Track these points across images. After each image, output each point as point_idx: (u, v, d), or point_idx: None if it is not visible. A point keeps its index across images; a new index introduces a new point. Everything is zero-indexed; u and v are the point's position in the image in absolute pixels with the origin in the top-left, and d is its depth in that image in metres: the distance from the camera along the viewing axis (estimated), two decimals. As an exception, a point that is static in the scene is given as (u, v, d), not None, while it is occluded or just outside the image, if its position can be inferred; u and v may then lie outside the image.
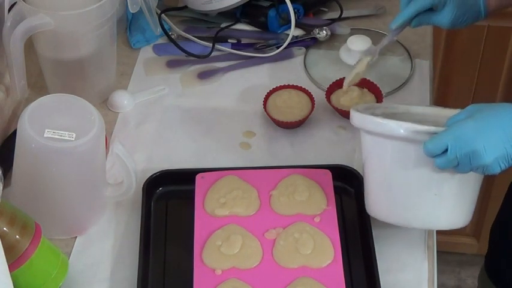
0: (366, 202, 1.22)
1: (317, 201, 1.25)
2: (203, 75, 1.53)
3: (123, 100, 1.46)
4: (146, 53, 1.58)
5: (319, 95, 1.44)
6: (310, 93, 1.44)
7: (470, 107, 1.09)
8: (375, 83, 1.44)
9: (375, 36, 1.53)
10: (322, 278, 1.16)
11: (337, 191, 1.28)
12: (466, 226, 1.20)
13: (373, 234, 1.22)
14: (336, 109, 1.42)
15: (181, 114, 1.46)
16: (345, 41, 1.52)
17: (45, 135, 1.14)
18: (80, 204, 1.24)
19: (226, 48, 1.57)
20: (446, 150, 1.07)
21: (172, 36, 1.57)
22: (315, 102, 1.42)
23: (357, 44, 1.50)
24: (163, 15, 1.57)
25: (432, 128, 1.09)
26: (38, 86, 1.48)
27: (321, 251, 1.19)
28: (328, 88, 1.45)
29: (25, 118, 1.15)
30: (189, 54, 1.54)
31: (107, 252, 1.24)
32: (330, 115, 1.44)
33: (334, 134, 1.41)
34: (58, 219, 1.25)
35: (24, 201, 1.18)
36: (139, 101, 1.48)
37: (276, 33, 1.59)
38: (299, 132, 1.42)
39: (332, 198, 1.25)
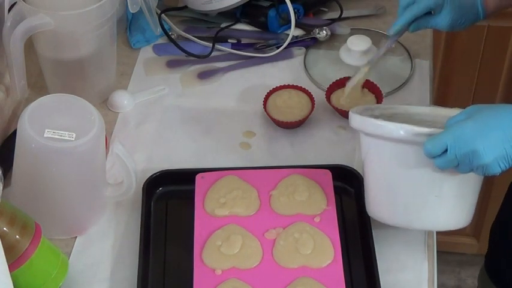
0: (366, 204, 1.22)
1: (317, 201, 1.25)
2: (203, 75, 1.53)
3: (123, 100, 1.46)
4: (146, 53, 1.58)
5: (319, 95, 1.44)
6: (310, 93, 1.44)
7: (469, 108, 1.09)
8: (375, 83, 1.44)
9: (375, 36, 1.53)
10: (322, 278, 1.16)
11: (337, 191, 1.28)
12: (466, 226, 1.20)
13: (373, 234, 1.22)
14: (336, 109, 1.42)
15: (181, 114, 1.46)
16: (345, 41, 1.52)
17: (45, 135, 1.14)
18: (80, 204, 1.24)
19: (226, 48, 1.57)
20: (446, 150, 1.07)
21: (172, 36, 1.57)
22: (315, 102, 1.42)
23: (357, 44, 1.50)
24: (163, 15, 1.57)
25: (432, 130, 1.09)
26: (38, 86, 1.48)
27: (321, 251, 1.19)
28: (328, 88, 1.45)
29: (25, 118, 1.15)
30: (189, 54, 1.54)
31: (107, 252, 1.24)
32: (330, 115, 1.44)
33: (334, 134, 1.41)
34: (58, 219, 1.25)
35: (24, 201, 1.18)
36: (139, 101, 1.48)
37: (276, 33, 1.59)
38: (299, 132, 1.42)
39: (332, 198, 1.25)
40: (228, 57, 1.56)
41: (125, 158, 1.21)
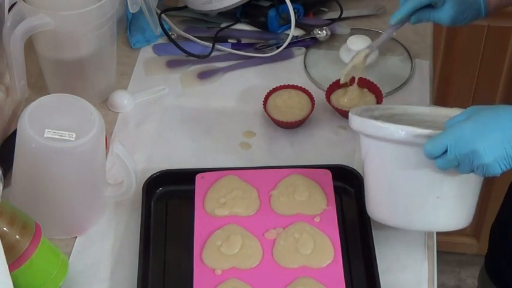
0: (366, 205, 1.22)
1: (317, 201, 1.25)
2: (203, 75, 1.53)
3: (123, 100, 1.46)
4: (146, 53, 1.58)
5: (319, 95, 1.44)
6: (310, 93, 1.44)
7: (469, 109, 1.09)
8: (375, 83, 1.44)
9: (375, 36, 1.52)
10: (322, 278, 1.16)
11: (337, 191, 1.28)
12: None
13: (373, 234, 1.22)
14: (336, 109, 1.42)
15: (181, 114, 1.46)
16: (345, 41, 1.52)
17: (45, 135, 1.14)
18: (80, 204, 1.24)
19: (226, 48, 1.57)
20: (446, 151, 1.07)
21: (172, 36, 1.57)
22: (315, 102, 1.42)
23: (357, 44, 1.50)
24: (163, 15, 1.57)
25: (432, 132, 1.09)
26: (38, 86, 1.48)
27: (321, 251, 1.19)
28: (328, 88, 1.45)
29: (25, 118, 1.15)
30: (189, 54, 1.54)
31: (107, 252, 1.24)
32: (330, 115, 1.44)
33: (334, 134, 1.41)
34: (58, 219, 1.25)
35: (24, 201, 1.18)
36: (139, 101, 1.48)
37: (276, 33, 1.58)
38: (299, 132, 1.42)
39: (332, 198, 1.25)
40: (228, 57, 1.56)
41: (125, 158, 1.21)
